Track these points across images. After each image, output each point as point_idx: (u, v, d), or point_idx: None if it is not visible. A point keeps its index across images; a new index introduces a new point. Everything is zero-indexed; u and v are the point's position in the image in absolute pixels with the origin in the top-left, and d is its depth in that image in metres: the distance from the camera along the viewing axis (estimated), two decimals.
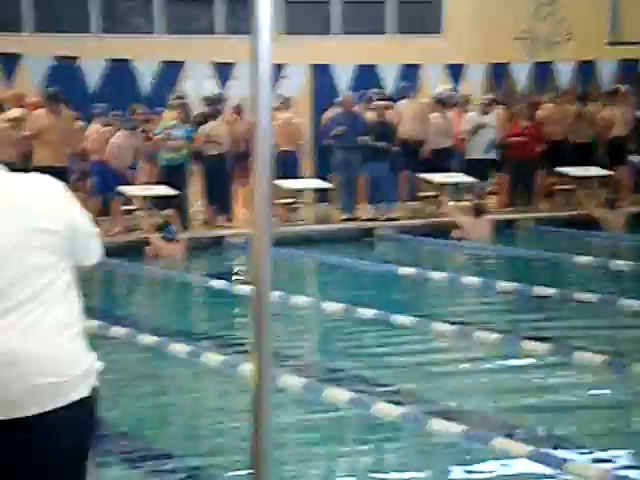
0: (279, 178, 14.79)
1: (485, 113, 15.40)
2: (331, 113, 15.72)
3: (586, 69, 16.34)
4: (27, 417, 2.76)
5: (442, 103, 15.55)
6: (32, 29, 17.09)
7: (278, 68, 14.23)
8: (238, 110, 15.10)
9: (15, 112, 13.91)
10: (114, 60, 14.41)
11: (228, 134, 14.55)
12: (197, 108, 15.03)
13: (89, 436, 2.91)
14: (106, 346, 7.92)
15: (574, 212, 15.12)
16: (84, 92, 14.21)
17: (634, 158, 16.65)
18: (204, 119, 14.68)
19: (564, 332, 8.17)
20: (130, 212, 14.15)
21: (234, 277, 11.77)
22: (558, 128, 15.68)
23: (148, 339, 7.97)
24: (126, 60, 14.48)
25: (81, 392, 2.85)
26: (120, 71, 14.48)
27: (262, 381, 2.28)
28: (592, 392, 6.56)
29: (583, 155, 15.80)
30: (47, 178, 2.98)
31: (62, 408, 2.81)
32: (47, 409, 2.78)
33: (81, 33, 17.01)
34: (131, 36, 17.29)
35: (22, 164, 13.58)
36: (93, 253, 3.07)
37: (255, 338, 2.29)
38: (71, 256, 2.94)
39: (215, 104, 14.81)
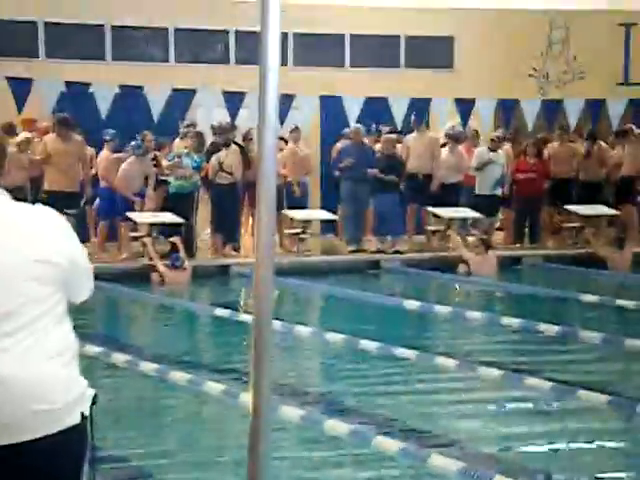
0: (288, 208, 14.84)
1: (494, 149, 15.43)
2: (340, 144, 15.78)
3: (596, 108, 16.37)
4: (21, 443, 2.79)
5: (453, 139, 15.59)
6: (45, 54, 17.21)
7: (289, 99, 14.29)
8: (248, 139, 15.16)
9: (23, 135, 13.99)
10: (126, 87, 14.48)
11: (239, 163, 14.61)
12: (207, 137, 15.10)
13: (80, 462, 2.94)
14: (107, 372, 7.92)
15: (581, 250, 15.11)
16: (96, 118, 14.28)
17: None
18: (216, 148, 14.75)
19: (568, 371, 8.13)
20: (137, 238, 14.18)
21: (239, 306, 11.76)
22: (565, 166, 15.70)
23: (149, 366, 7.95)
24: (138, 87, 14.56)
25: (74, 418, 2.89)
26: (131, 97, 14.55)
27: (261, 411, 2.27)
28: (592, 425, 6.52)
29: (591, 194, 15.80)
30: (50, 211, 3.04)
31: (55, 434, 2.85)
32: (40, 435, 2.81)
33: (94, 60, 17.14)
34: (143, 64, 17.40)
35: (33, 188, 13.68)
36: (85, 290, 3.12)
37: (255, 367, 2.29)
38: (65, 289, 2.99)
39: (224, 133, 14.87)
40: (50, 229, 2.97)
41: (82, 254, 3.07)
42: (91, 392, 3.00)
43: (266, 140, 2.18)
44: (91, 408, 2.99)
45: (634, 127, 15.89)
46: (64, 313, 2.98)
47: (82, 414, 2.92)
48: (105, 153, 14.54)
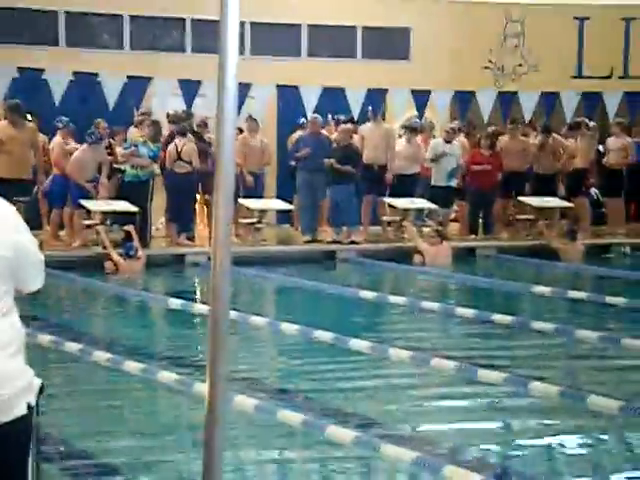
0: (243, 198, 14.80)
1: (449, 141, 15.50)
2: (298, 134, 15.77)
3: (550, 101, 16.52)
4: None
5: (410, 130, 15.64)
6: None
7: (245, 88, 14.23)
8: (203, 127, 15.08)
9: None
10: (80, 73, 14.32)
11: (196, 152, 14.52)
12: (162, 125, 15.00)
13: (26, 451, 2.94)
14: (60, 361, 7.85)
15: (535, 242, 15.25)
16: (49, 105, 14.12)
17: (594, 190, 16.86)
18: (173, 137, 14.65)
19: (520, 361, 8.21)
20: (90, 227, 14.05)
21: (193, 295, 11.71)
22: (516, 160, 15.79)
23: (102, 355, 7.89)
24: (92, 74, 14.41)
25: (20, 409, 2.90)
26: (86, 85, 14.40)
27: (216, 400, 2.26)
28: (545, 421, 6.58)
29: (545, 186, 15.94)
30: (5, 204, 3.01)
31: (2, 425, 2.85)
32: None
33: (48, 45, 16.92)
34: (99, 50, 17.22)
35: None
36: (35, 281, 3.09)
37: (211, 358, 2.28)
38: (13, 280, 2.97)
39: (180, 121, 14.78)
40: None
41: (32, 245, 3.03)
42: (38, 382, 3.00)
43: (225, 130, 2.16)
44: (38, 398, 2.99)
45: (586, 120, 16.04)
46: (12, 305, 2.96)
47: (28, 404, 2.93)
48: (58, 140, 14.37)
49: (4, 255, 2.90)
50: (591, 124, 15.91)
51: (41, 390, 3.01)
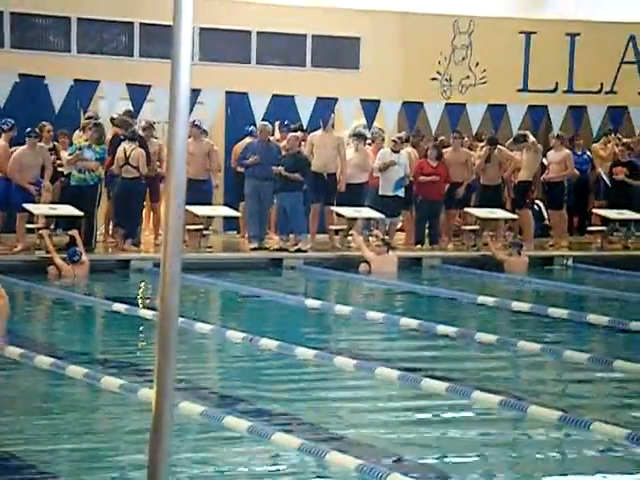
0: (189, 204, 14.72)
1: (396, 151, 15.59)
2: (246, 141, 15.74)
3: (497, 113, 16.71)
4: None
5: (358, 137, 15.72)
6: None
7: (194, 94, 14.17)
8: (148, 131, 14.97)
9: None
10: (26, 76, 14.15)
11: (143, 157, 14.42)
12: (107, 129, 14.88)
13: None
14: (1, 366, 7.75)
15: (479, 253, 15.39)
16: None
17: (538, 203, 17.07)
18: (119, 141, 14.54)
19: (462, 371, 8.28)
20: (34, 230, 13.89)
21: (138, 301, 11.63)
22: (459, 171, 15.94)
23: (45, 360, 7.81)
24: (39, 76, 14.24)
25: None
26: (32, 87, 14.23)
27: (163, 408, 2.26)
28: (485, 431, 6.64)
29: (490, 197, 16.09)
30: None
31: None
32: None
33: None
34: (44, 53, 17.04)
35: None
36: None
37: (159, 364, 2.27)
38: None
39: (124, 125, 14.66)
40: None
41: None
42: None
43: (177, 135, 2.16)
44: None
45: (529, 134, 16.26)
46: None
47: None
48: (2, 143, 14.13)
49: None
50: (531, 138, 16.11)
51: None
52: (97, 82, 14.44)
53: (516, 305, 11.29)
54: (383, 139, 16.47)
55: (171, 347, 2.24)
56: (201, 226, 14.72)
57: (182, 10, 2.13)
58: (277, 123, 16.30)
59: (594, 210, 17.10)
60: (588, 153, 17.93)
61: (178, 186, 2.17)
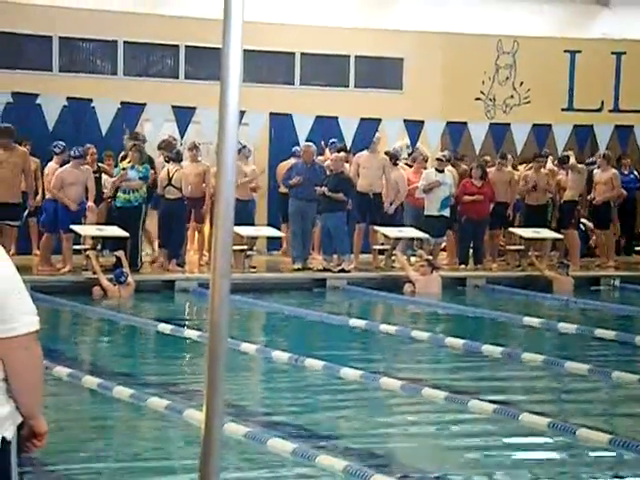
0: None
1: (441, 170, 15.56)
2: (290, 162, 15.79)
3: (542, 133, 16.61)
4: None
5: (390, 157, 15.73)
6: None
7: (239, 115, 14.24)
8: (194, 153, 15.09)
9: None
10: (74, 99, 14.33)
11: (187, 178, 14.54)
12: (153, 151, 15.02)
13: None
14: (49, 386, 7.81)
15: (524, 273, 15.28)
16: (43, 129, 14.13)
17: (584, 222, 16.93)
18: (165, 162, 14.68)
19: (509, 392, 8.21)
20: (80, 252, 14.03)
21: (183, 321, 11.68)
22: (502, 191, 15.87)
23: (92, 380, 7.86)
24: (86, 99, 14.42)
25: None
26: (80, 110, 14.39)
27: (212, 429, 2.26)
28: (534, 452, 6.56)
29: (536, 217, 16.00)
30: None
31: None
32: None
33: (41, 71, 16.96)
34: (91, 76, 17.28)
35: None
36: (14, 318, 2.88)
37: (208, 385, 2.28)
38: None
39: (168, 147, 14.79)
40: None
41: (7, 280, 2.87)
42: (17, 417, 2.92)
43: (226, 157, 2.17)
44: (18, 432, 2.91)
45: (572, 154, 16.16)
46: None
47: (3, 438, 2.85)
48: (52, 166, 14.28)
49: None
50: (572, 160, 16.02)
51: (20, 425, 2.93)
52: (143, 104, 14.58)
53: (562, 326, 11.18)
54: (426, 160, 16.43)
55: (220, 368, 2.25)
56: (245, 246, 14.77)
57: (231, 33, 2.14)
58: (322, 143, 16.35)
59: None
60: (635, 173, 17.77)
61: (227, 208, 2.18)
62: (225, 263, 2.20)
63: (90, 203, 13.99)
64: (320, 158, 15.75)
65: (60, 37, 17.26)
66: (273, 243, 16.88)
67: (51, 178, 13.98)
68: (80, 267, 13.91)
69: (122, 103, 14.45)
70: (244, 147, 15.15)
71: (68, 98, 14.28)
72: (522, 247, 15.92)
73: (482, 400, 7.52)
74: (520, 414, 7.08)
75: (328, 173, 15.14)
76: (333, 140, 16.23)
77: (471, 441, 6.83)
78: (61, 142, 14.08)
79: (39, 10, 16.87)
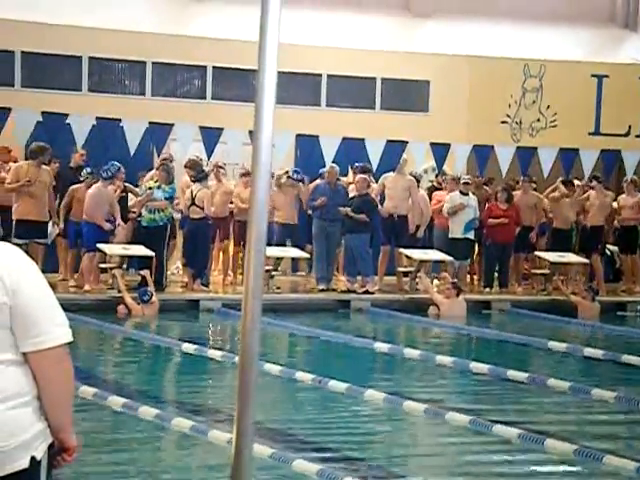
0: None
1: (466, 193, 15.54)
2: (315, 183, 15.82)
3: (569, 157, 16.56)
4: None
5: (415, 180, 15.74)
6: (21, 84, 17.18)
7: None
8: (219, 173, 15.14)
9: None
10: (103, 119, 14.45)
11: (211, 198, 14.59)
12: (182, 171, 15.10)
13: None
14: (76, 406, 7.82)
15: (549, 297, 15.21)
16: (72, 149, 14.25)
17: (610, 247, 16.83)
18: (190, 182, 14.74)
19: (534, 418, 8.15)
20: (106, 270, 14.09)
21: (207, 341, 11.69)
22: (528, 215, 15.83)
23: (116, 400, 7.87)
24: (115, 119, 14.53)
25: (20, 463, 2.79)
26: (108, 130, 14.50)
27: (243, 450, 2.26)
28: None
29: (561, 241, 15.94)
30: (8, 248, 2.90)
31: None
32: None
33: (71, 91, 17.13)
34: (120, 96, 17.43)
35: (1, 217, 13.50)
36: (44, 330, 2.82)
37: (239, 406, 2.28)
38: (17, 334, 2.81)
39: (195, 167, 14.85)
40: (2, 268, 2.80)
41: (37, 292, 2.85)
42: (49, 437, 2.90)
43: (259, 179, 2.19)
44: (48, 453, 2.89)
45: (597, 179, 16.11)
46: (15, 356, 2.82)
47: (33, 458, 2.82)
48: (81, 187, 14.29)
49: (5, 303, 2.77)
50: (599, 185, 15.97)
51: (52, 445, 2.91)
52: (171, 124, 14.67)
53: (588, 351, 11.10)
54: (457, 181, 16.39)
55: (251, 388, 2.25)
56: (270, 267, 14.78)
57: (266, 55, 2.16)
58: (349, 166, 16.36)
59: None
60: None
61: (260, 231, 2.19)
62: (257, 284, 2.21)
63: (119, 221, 14.07)
64: (343, 180, 15.77)
65: (89, 57, 17.43)
66: (298, 264, 16.88)
67: (77, 199, 14.03)
68: (105, 285, 13.97)
69: (150, 123, 14.54)
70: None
71: (97, 118, 14.39)
72: (547, 271, 15.85)
73: (507, 425, 7.47)
74: (545, 440, 7.03)
75: (352, 194, 15.14)
76: (358, 164, 16.24)
77: (495, 467, 6.78)
78: (116, 163, 14.05)
79: (69, 31, 17.05)
